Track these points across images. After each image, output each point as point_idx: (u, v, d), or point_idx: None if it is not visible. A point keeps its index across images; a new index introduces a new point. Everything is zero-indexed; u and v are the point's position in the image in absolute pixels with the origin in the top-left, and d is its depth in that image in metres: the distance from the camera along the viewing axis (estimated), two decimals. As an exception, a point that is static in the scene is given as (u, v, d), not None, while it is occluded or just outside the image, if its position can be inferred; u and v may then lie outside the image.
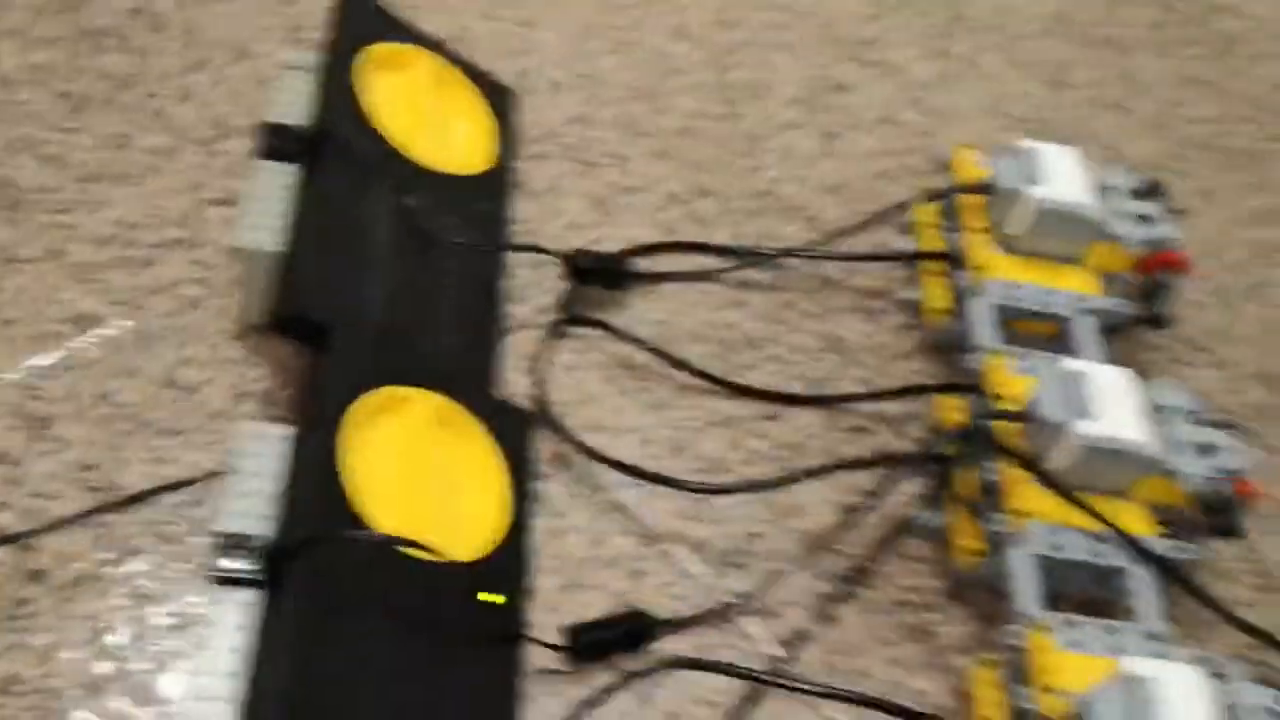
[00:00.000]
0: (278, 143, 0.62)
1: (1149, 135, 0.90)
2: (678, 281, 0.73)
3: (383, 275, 0.61)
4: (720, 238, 0.75)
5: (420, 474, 0.56)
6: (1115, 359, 0.66)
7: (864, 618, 0.61)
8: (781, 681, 0.57)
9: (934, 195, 0.73)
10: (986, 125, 0.87)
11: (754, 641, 0.59)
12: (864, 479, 0.64)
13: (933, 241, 0.73)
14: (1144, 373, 0.67)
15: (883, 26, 0.93)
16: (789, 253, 0.74)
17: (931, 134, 0.86)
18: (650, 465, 0.63)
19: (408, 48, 0.71)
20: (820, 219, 0.78)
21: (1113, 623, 0.57)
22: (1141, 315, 0.72)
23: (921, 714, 0.56)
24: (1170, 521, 0.61)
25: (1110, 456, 0.58)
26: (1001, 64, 0.93)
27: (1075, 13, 0.99)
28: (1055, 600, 0.58)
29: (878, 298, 0.76)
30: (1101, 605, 0.59)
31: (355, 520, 0.51)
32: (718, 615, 0.60)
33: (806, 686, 0.57)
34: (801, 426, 0.68)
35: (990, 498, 0.61)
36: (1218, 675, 0.53)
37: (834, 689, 0.57)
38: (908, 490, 0.64)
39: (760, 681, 0.57)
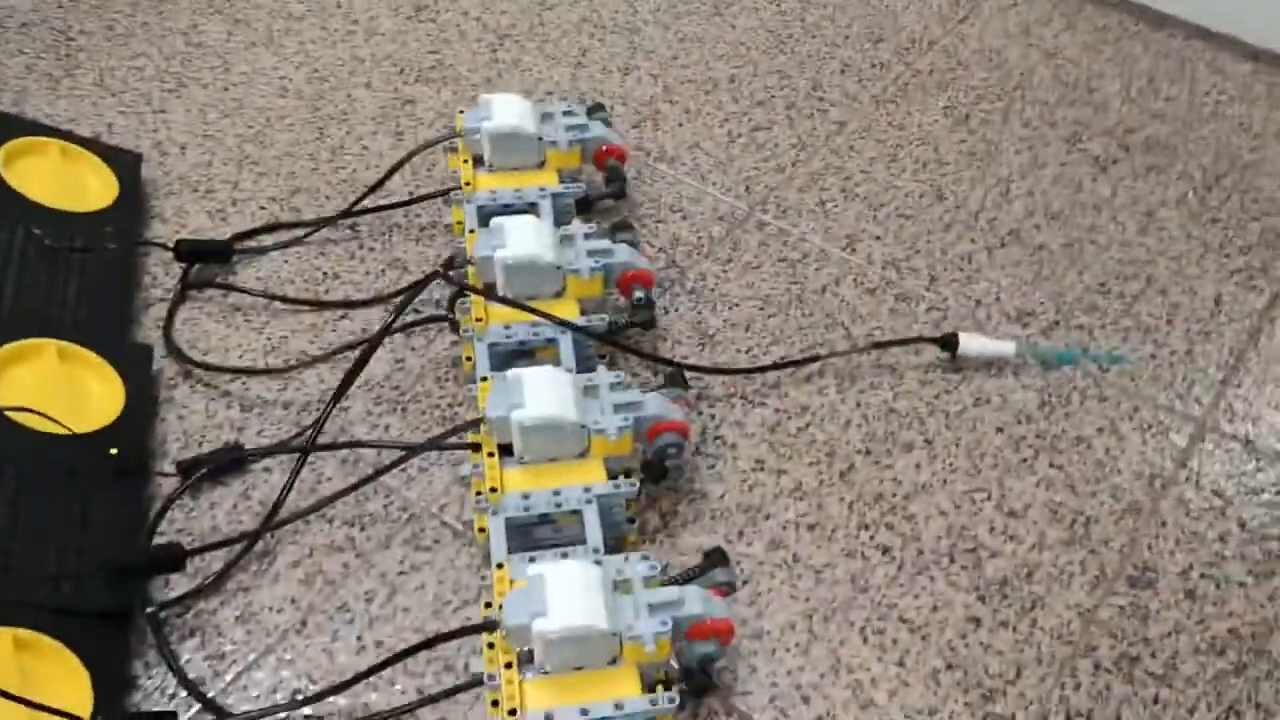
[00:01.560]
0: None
1: (650, 83, 1.21)
2: (275, 250, 1.03)
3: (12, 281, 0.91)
4: (310, 218, 1.05)
5: (53, 394, 0.84)
6: (595, 219, 0.96)
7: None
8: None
9: (426, 145, 1.03)
10: (523, 103, 1.18)
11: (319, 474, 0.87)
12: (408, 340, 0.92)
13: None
14: (627, 224, 0.97)
15: (443, 55, 1.24)
16: (347, 213, 1.04)
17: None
18: (249, 366, 0.92)
19: (38, 139, 1.01)
20: (387, 188, 1.08)
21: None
22: (605, 193, 1.02)
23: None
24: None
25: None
26: (538, 59, 1.24)
27: (602, 11, 1.31)
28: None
29: (431, 228, 1.05)
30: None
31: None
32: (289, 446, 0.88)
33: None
34: (367, 320, 0.97)
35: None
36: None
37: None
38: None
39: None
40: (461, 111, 1.02)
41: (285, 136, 1.14)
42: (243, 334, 0.96)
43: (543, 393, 0.79)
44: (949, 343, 0.93)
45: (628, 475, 0.80)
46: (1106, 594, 0.81)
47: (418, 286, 0.90)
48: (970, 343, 0.93)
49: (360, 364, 0.85)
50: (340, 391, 0.85)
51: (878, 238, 1.05)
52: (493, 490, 0.78)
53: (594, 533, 0.77)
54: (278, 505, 0.82)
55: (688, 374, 0.91)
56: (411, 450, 0.83)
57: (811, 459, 0.88)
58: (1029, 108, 1.17)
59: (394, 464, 0.82)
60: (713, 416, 0.91)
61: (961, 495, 0.86)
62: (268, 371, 0.92)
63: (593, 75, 1.22)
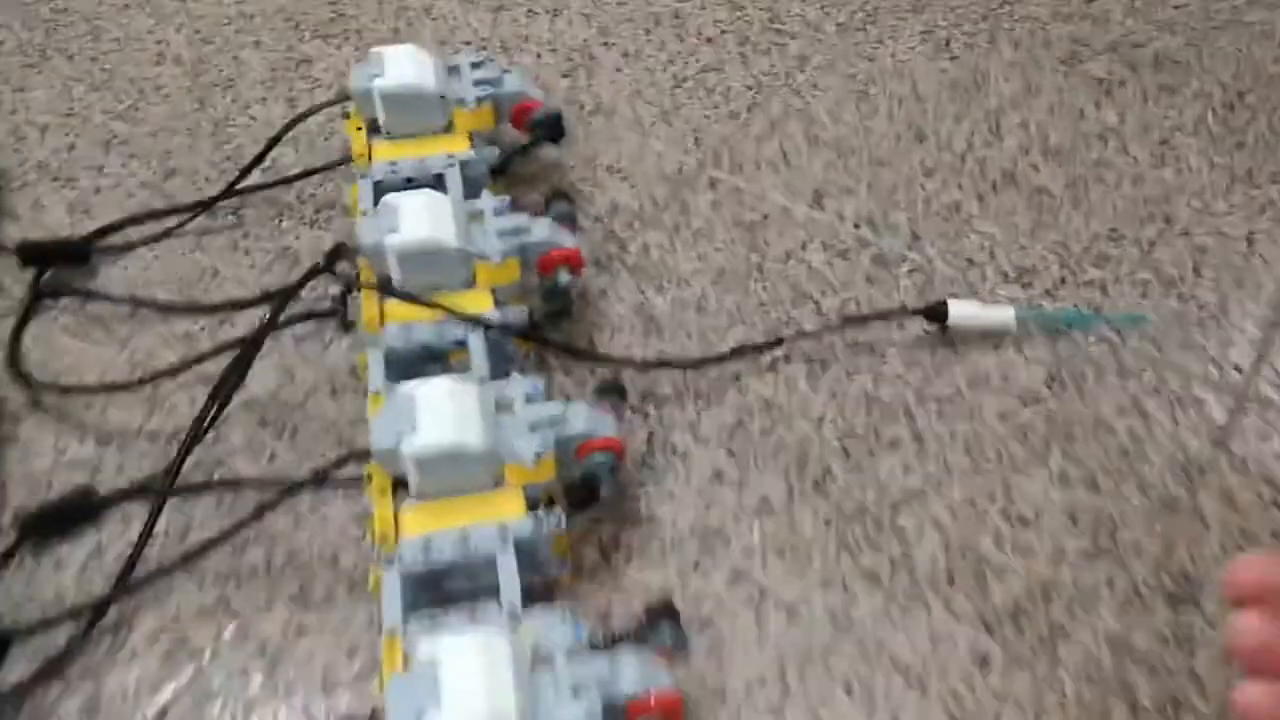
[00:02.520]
0: None
1: (582, 24, 1.05)
2: (144, 246, 0.87)
3: None
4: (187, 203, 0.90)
5: None
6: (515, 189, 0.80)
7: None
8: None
9: (311, 111, 0.88)
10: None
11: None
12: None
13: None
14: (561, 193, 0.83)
15: (342, 5, 1.08)
16: (226, 194, 0.89)
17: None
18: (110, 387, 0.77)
19: None
20: (279, 165, 0.93)
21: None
22: (522, 148, 0.87)
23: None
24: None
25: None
26: (452, 4, 1.08)
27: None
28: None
29: (329, 209, 0.90)
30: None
31: None
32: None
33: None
34: (253, 324, 0.82)
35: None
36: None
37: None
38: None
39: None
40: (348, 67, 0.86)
41: (160, 110, 0.98)
42: (102, 349, 0.81)
43: (441, 413, 0.65)
44: (937, 313, 0.79)
45: (551, 504, 0.66)
46: (1141, 616, 0.66)
47: (299, 284, 0.75)
48: (962, 311, 0.78)
49: (229, 382, 0.70)
50: (205, 419, 0.70)
51: (849, 190, 0.89)
52: (384, 541, 0.63)
53: (511, 583, 0.62)
54: (131, 564, 0.67)
55: (630, 370, 0.77)
56: (287, 490, 0.68)
57: (780, 466, 0.73)
58: (1018, 26, 1.01)
59: (265, 506, 0.68)
60: (660, 420, 0.76)
61: (960, 502, 0.71)
62: (123, 387, 0.77)
63: (516, 19, 1.06)
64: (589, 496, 0.67)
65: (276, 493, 0.68)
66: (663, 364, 0.77)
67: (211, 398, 0.71)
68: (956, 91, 0.96)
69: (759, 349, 0.78)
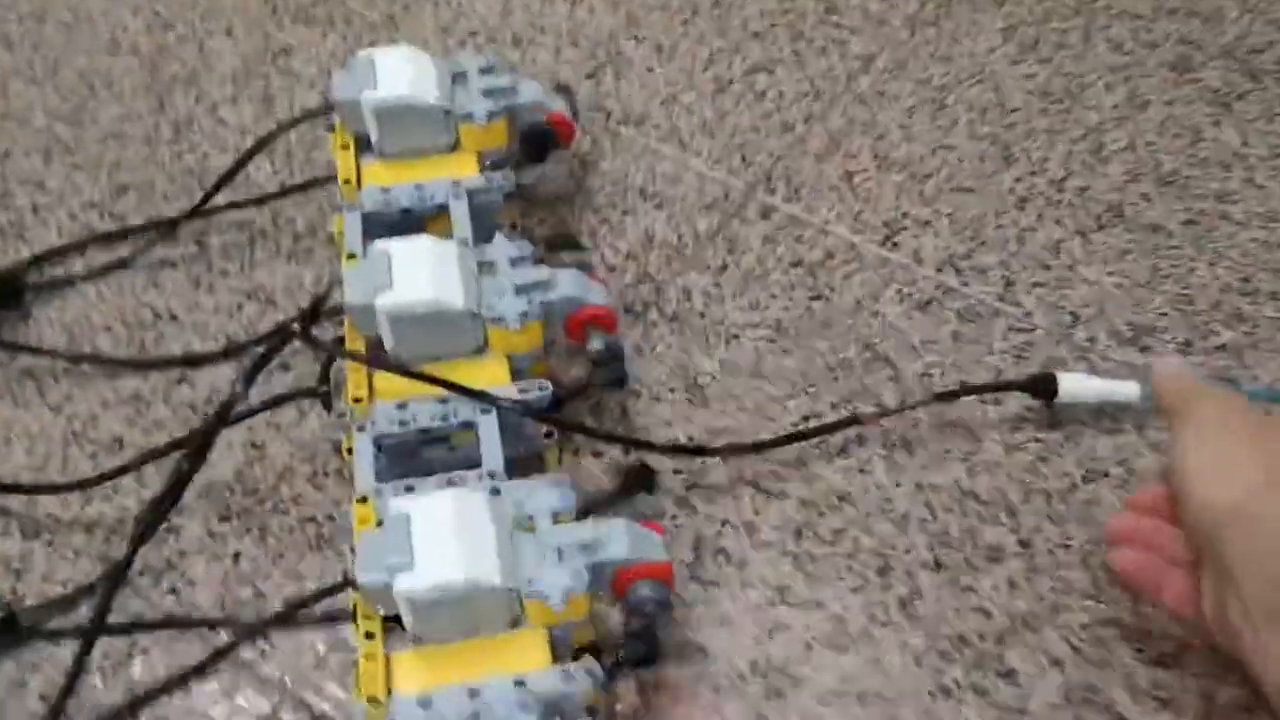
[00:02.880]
0: None
1: (607, 12, 0.90)
2: (87, 281, 0.73)
3: None
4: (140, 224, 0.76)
5: None
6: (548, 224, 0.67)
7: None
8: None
9: (293, 122, 0.73)
10: (441, 45, 0.88)
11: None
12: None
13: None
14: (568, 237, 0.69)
15: (329, -17, 0.93)
16: (191, 215, 0.74)
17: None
18: (41, 464, 0.64)
19: None
20: (252, 180, 0.79)
21: (460, 474, 0.57)
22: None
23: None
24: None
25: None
26: (455, -14, 0.93)
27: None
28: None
29: (309, 237, 0.76)
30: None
31: None
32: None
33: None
34: (215, 384, 0.68)
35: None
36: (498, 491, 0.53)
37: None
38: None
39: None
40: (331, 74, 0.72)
41: (112, 111, 0.84)
42: (34, 414, 0.67)
43: (442, 533, 0.51)
44: (1043, 386, 0.65)
45: (590, 654, 0.53)
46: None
47: (265, 357, 0.60)
48: (1074, 385, 0.65)
49: (178, 482, 0.57)
50: (145, 526, 0.56)
51: (927, 224, 0.75)
52: (372, 700, 0.50)
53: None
54: (55, 714, 0.54)
55: (668, 458, 0.63)
56: (249, 632, 0.54)
57: (857, 579, 0.60)
58: (1116, 23, 0.87)
59: (221, 653, 0.54)
60: (709, 518, 0.62)
61: (1081, 629, 0.58)
62: (54, 489, 0.63)
63: (529, 6, 0.91)
64: (649, 651, 0.54)
65: (235, 634, 0.54)
66: (709, 450, 0.64)
67: (161, 498, 0.57)
68: (1048, 102, 0.82)
69: (827, 430, 0.64)
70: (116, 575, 0.56)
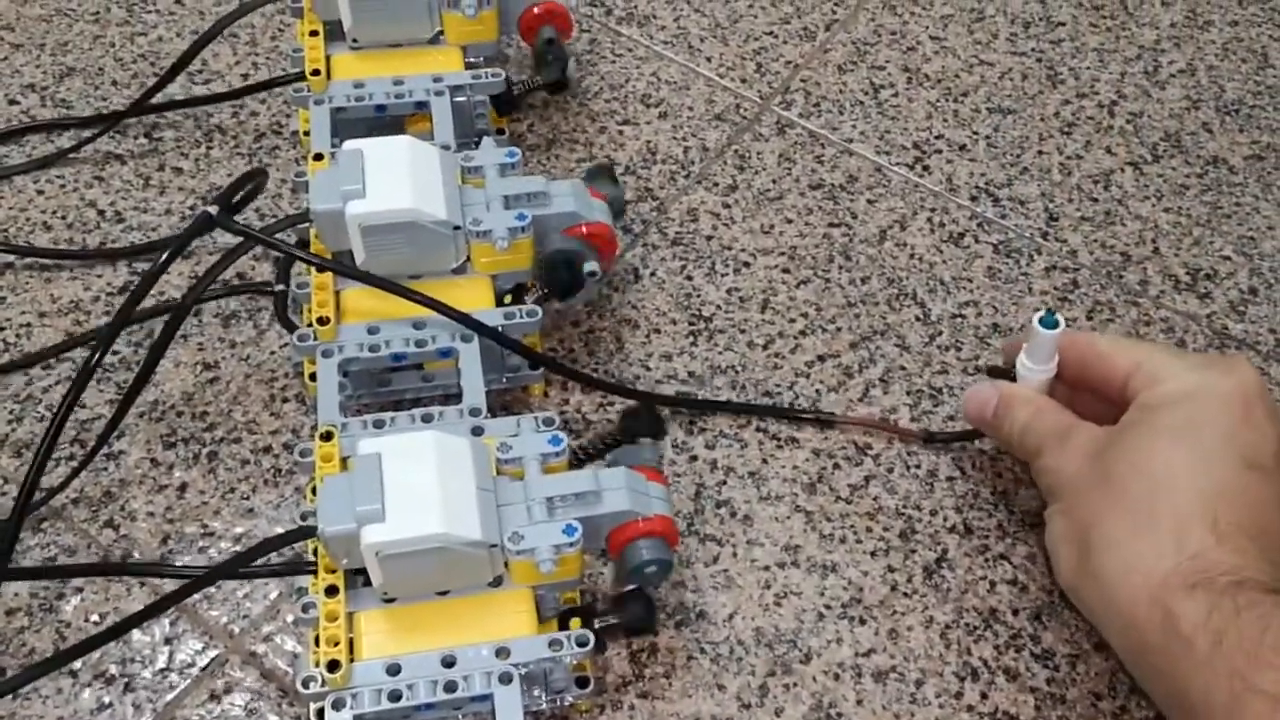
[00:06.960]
0: None
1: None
2: (26, 173, 0.65)
3: None
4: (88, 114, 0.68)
5: None
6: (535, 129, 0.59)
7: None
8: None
9: (252, 6, 0.65)
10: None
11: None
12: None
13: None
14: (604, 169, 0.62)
15: None
16: (138, 110, 0.66)
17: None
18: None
19: None
20: (210, 70, 0.71)
21: (437, 409, 0.50)
22: (538, 84, 0.65)
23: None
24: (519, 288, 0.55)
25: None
26: None
27: None
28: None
29: (275, 133, 0.68)
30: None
31: None
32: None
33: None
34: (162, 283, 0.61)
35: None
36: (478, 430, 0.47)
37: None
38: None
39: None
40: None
41: (61, -14, 0.75)
42: (-41, 319, 0.60)
43: (417, 479, 0.44)
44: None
45: (582, 618, 0.46)
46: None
47: (186, 236, 0.51)
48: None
49: (83, 374, 0.50)
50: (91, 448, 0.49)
51: (962, 147, 0.68)
52: (332, 665, 0.43)
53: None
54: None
55: (667, 406, 0.56)
56: (190, 585, 0.47)
57: (876, 542, 0.54)
58: (1173, -66, 0.79)
59: (155, 608, 0.47)
60: (712, 466, 0.56)
61: (1124, 608, 0.52)
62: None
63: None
64: (646, 618, 0.47)
65: (174, 590, 0.47)
66: (712, 405, 0.57)
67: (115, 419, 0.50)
68: (1099, 16, 0.74)
69: (786, 413, 0.57)
70: (25, 492, 0.48)
